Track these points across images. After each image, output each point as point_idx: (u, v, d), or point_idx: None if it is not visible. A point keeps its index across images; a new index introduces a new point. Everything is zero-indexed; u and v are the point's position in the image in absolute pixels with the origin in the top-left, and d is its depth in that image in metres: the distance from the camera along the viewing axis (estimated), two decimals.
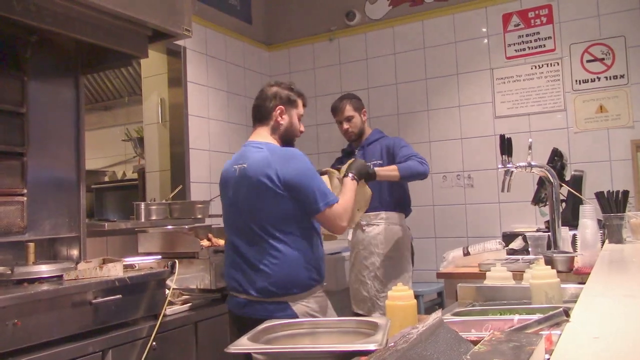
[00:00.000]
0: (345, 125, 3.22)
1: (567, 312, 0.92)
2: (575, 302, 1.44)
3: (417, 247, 4.24)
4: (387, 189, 3.14)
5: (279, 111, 2.26)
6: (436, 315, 0.98)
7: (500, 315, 1.41)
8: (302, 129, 2.35)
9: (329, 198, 2.12)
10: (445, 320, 1.27)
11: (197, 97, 4.15)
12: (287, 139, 2.30)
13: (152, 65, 4.00)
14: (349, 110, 3.21)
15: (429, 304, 4.12)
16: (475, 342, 0.90)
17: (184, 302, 2.72)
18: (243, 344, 1.18)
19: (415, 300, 1.43)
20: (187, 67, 4.06)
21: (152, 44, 2.65)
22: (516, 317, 1.31)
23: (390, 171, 2.85)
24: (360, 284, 3.14)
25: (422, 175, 2.93)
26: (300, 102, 2.34)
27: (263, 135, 2.27)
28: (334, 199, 2.13)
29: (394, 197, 3.17)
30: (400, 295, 1.41)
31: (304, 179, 2.08)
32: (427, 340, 0.92)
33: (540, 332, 0.99)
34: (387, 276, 3.09)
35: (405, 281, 3.10)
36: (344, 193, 2.27)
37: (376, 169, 2.72)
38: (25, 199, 2.42)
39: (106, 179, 4.42)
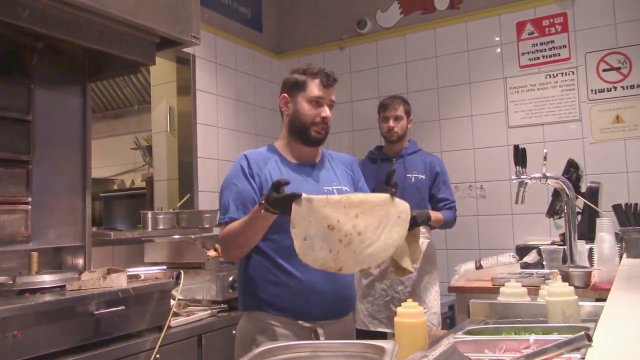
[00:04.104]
0: (392, 124, 3.13)
1: (589, 336, 0.86)
2: (593, 320, 1.38)
3: None
4: (419, 204, 3.01)
5: (283, 100, 1.99)
6: (448, 340, 0.91)
7: (515, 334, 1.34)
8: (323, 113, 1.92)
9: (223, 215, 1.89)
10: (457, 340, 1.21)
11: (206, 105, 4.12)
12: (296, 129, 1.95)
13: (162, 73, 3.98)
14: (400, 111, 3.14)
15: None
16: None
17: (190, 314, 2.67)
18: None
19: (425, 318, 1.37)
20: (197, 75, 4.03)
21: (160, 51, 2.61)
22: (532, 337, 1.25)
23: (438, 219, 2.99)
24: (391, 301, 3.00)
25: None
26: (311, 83, 1.93)
27: (281, 135, 2.05)
28: (223, 218, 1.88)
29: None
30: (410, 312, 1.36)
31: (221, 189, 1.94)
32: None
33: (559, 357, 0.92)
34: (425, 291, 3.04)
35: (438, 295, 3.12)
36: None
37: (431, 214, 2.84)
38: (29, 207, 2.38)
39: (115, 187, 4.40)
